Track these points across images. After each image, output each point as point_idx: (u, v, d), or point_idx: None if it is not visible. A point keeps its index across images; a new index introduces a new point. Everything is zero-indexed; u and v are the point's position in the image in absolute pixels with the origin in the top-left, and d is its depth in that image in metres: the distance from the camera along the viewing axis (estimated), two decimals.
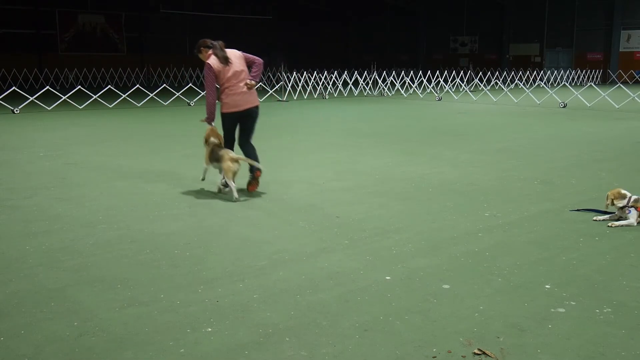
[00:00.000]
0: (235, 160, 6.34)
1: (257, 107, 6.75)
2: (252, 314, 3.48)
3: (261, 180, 6.69)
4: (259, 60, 6.76)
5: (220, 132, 6.71)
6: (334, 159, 8.95)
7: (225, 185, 6.63)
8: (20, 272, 4.16)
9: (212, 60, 6.54)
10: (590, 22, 36.29)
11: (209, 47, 6.65)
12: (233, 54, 6.68)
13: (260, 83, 24.86)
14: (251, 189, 6.70)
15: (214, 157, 6.50)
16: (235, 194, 6.33)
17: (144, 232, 5.12)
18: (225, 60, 6.55)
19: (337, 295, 3.75)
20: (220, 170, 6.48)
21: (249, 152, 6.72)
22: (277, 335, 3.21)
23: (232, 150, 6.67)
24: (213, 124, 6.68)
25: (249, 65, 6.80)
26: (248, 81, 6.60)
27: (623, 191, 5.37)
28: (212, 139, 6.62)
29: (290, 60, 40.73)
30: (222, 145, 6.62)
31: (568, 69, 35.07)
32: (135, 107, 18.19)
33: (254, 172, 6.64)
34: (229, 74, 6.54)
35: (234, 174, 6.33)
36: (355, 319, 3.40)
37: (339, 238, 4.93)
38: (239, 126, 6.77)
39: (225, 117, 6.70)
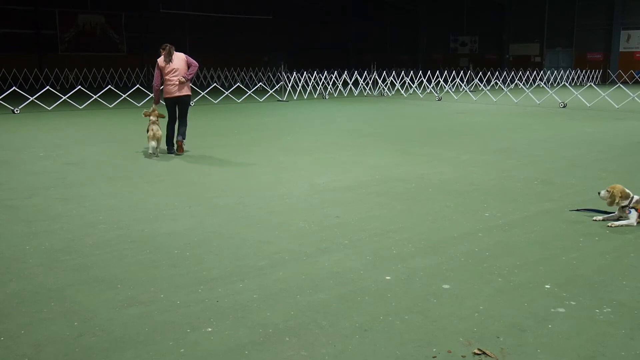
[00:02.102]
0: (155, 131, 9.04)
1: (186, 96, 9.37)
2: (252, 314, 3.48)
3: (261, 180, 7.23)
4: (194, 63, 9.33)
5: (163, 112, 9.39)
6: (334, 159, 8.95)
7: (169, 149, 9.40)
8: (20, 272, 4.16)
9: (160, 59, 9.25)
10: (590, 22, 36.29)
11: (163, 49, 9.27)
12: (177, 56, 9.32)
13: (262, 84, 24.87)
14: (179, 151, 9.36)
15: (148, 129, 9.12)
16: (151, 151, 9.06)
17: (144, 232, 5.12)
18: (168, 60, 9.19)
19: (337, 295, 3.75)
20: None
21: (180, 126, 9.39)
22: (277, 335, 3.21)
23: (175, 123, 9.41)
24: (156, 105, 9.47)
25: (189, 66, 9.34)
26: (180, 77, 9.17)
27: (627, 190, 5.37)
28: (152, 117, 9.20)
29: (290, 60, 40.73)
30: (158, 121, 9.18)
31: (568, 69, 35.07)
32: (135, 107, 18.18)
33: (176, 141, 9.34)
34: (168, 69, 9.19)
35: (151, 138, 9.00)
36: (355, 319, 3.40)
37: (339, 238, 4.93)
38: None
39: (165, 100, 9.37)
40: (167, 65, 9.15)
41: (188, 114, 9.56)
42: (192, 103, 20.10)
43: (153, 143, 9.01)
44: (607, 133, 12.19)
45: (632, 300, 3.65)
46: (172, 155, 9.27)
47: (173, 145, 9.39)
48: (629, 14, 34.60)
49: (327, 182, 7.22)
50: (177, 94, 9.22)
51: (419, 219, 5.53)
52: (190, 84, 9.75)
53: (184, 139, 9.37)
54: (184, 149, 9.47)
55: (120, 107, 17.99)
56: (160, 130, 9.12)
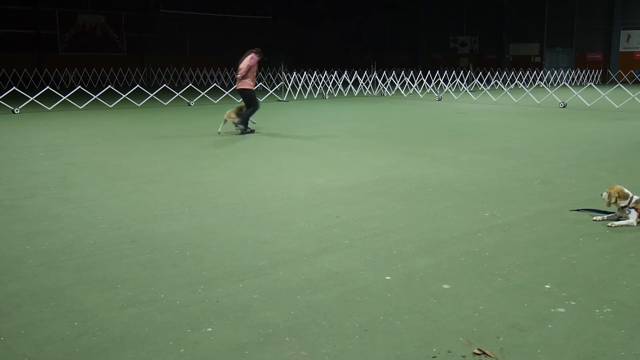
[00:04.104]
0: (228, 115, 12.12)
1: (242, 89, 11.99)
2: (252, 314, 3.48)
3: (261, 180, 7.33)
4: (246, 64, 11.78)
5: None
6: (334, 159, 8.95)
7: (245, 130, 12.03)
8: (20, 272, 4.16)
9: None
10: (590, 22, 36.30)
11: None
12: (246, 57, 11.93)
13: (262, 84, 24.88)
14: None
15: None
16: (220, 130, 12.17)
17: (144, 232, 5.12)
18: (242, 61, 11.97)
19: (337, 295, 3.75)
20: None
21: (245, 113, 12.08)
22: (277, 335, 3.21)
23: (248, 109, 12.10)
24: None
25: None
26: (238, 75, 11.93)
27: (626, 190, 5.36)
28: (242, 104, 12.32)
29: (290, 60, 40.73)
30: (242, 108, 12.15)
31: (568, 69, 35.08)
32: (135, 107, 18.19)
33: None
34: (238, 68, 11.96)
35: (225, 121, 12.11)
36: (355, 319, 3.40)
37: (339, 238, 4.93)
38: None
39: None
40: (239, 65, 11.92)
41: (251, 103, 12.06)
42: (192, 103, 20.28)
43: (222, 123, 12.17)
44: (607, 133, 12.19)
45: (632, 300, 3.66)
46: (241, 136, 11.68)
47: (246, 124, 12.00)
48: (629, 14, 34.60)
49: (327, 182, 7.23)
50: (239, 87, 12.02)
51: (419, 219, 5.53)
52: (247, 80, 11.92)
53: (241, 123, 11.95)
54: (250, 129, 12.14)
55: (120, 107, 17.99)
56: (233, 113, 12.02)
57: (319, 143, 10.76)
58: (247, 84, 11.90)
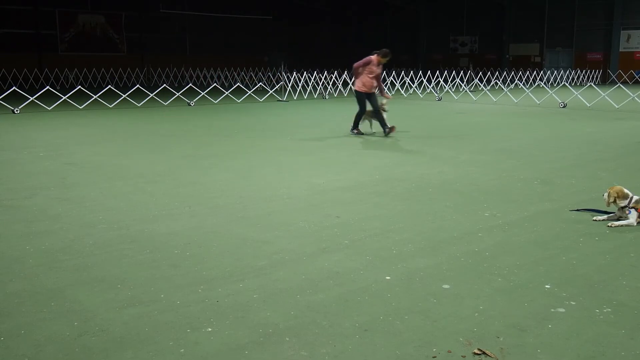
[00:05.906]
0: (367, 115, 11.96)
1: (355, 90, 11.74)
2: (252, 314, 3.48)
3: (261, 180, 7.28)
4: (358, 62, 11.48)
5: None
6: (334, 159, 8.95)
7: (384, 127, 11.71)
8: (20, 272, 4.16)
9: None
10: (590, 22, 36.31)
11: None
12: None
13: (262, 84, 24.84)
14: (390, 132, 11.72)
15: None
16: (373, 130, 12.22)
17: (144, 232, 5.12)
18: None
19: (337, 295, 3.75)
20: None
21: (372, 116, 11.89)
22: (277, 335, 3.21)
23: (361, 110, 11.78)
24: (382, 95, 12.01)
25: None
26: None
27: (626, 190, 5.36)
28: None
29: (290, 60, 40.73)
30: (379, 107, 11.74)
31: (568, 69, 35.09)
32: (135, 107, 18.19)
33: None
34: None
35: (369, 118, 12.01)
36: (355, 319, 3.40)
37: (339, 238, 4.93)
38: None
39: None
40: None
41: (365, 104, 11.66)
42: (192, 103, 20.33)
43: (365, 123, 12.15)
44: (607, 133, 12.19)
45: (632, 300, 3.65)
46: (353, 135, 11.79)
47: (356, 126, 11.90)
48: (629, 14, 34.62)
49: (327, 182, 7.22)
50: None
51: (419, 219, 5.53)
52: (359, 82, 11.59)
53: (381, 125, 11.67)
54: (358, 131, 11.89)
55: (120, 107, 17.99)
56: (368, 114, 11.82)
57: (319, 143, 10.75)
58: (356, 84, 11.63)
